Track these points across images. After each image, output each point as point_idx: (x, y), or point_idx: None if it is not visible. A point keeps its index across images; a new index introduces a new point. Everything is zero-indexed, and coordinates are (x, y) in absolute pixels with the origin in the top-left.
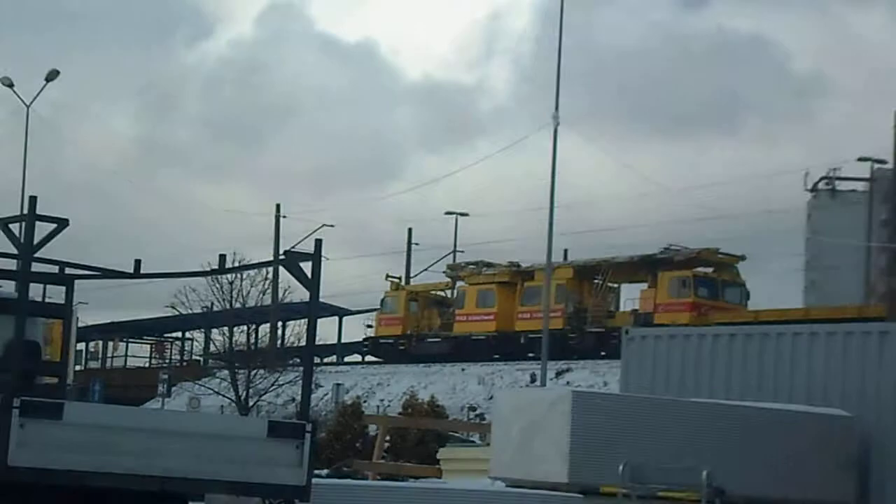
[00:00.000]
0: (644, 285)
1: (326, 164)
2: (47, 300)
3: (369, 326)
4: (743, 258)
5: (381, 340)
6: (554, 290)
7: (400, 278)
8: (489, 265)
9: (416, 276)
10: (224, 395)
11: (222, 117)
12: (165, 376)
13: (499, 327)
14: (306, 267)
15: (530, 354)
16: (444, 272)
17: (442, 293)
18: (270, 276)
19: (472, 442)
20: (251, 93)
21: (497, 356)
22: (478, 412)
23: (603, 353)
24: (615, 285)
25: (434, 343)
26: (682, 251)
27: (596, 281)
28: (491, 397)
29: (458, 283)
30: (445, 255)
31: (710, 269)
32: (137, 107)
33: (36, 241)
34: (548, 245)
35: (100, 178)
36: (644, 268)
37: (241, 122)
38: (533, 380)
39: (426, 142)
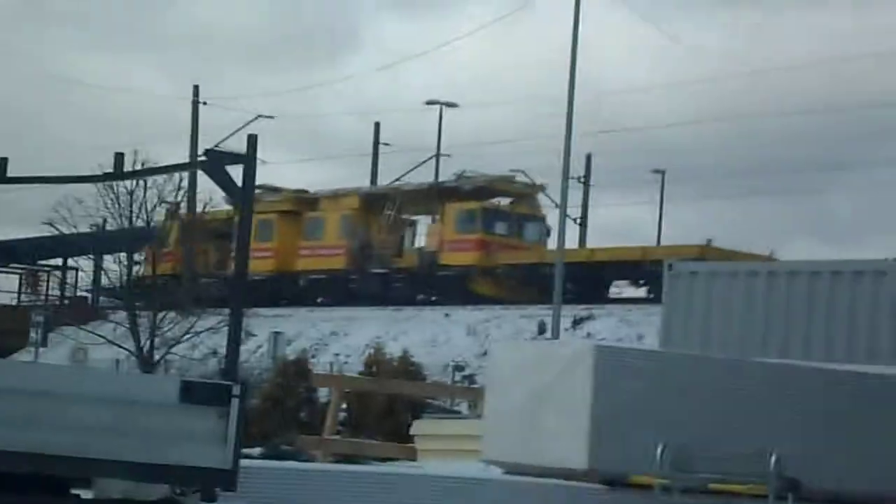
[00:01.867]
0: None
1: (259, 31)
2: None
3: (137, 264)
4: (543, 187)
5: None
6: (338, 222)
7: (178, 205)
8: (276, 190)
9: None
10: (120, 346)
11: None
12: (40, 318)
13: (278, 266)
14: (235, 172)
15: (319, 300)
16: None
17: (225, 224)
18: (185, 183)
19: (458, 413)
20: None
21: (282, 301)
22: (466, 372)
23: (433, 299)
24: (411, 218)
25: (206, 285)
26: (475, 178)
27: (387, 213)
28: (485, 353)
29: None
30: (426, 160)
31: (507, 200)
32: None
33: None
34: (565, 148)
35: None
36: (436, 198)
37: None
38: (542, 330)
39: (395, 1)
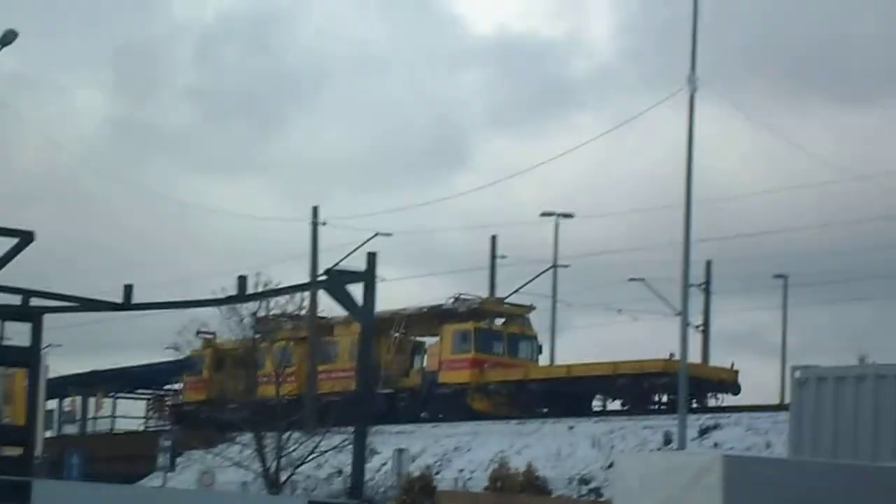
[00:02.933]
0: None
1: (371, 152)
2: (5, 342)
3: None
4: (532, 308)
5: (185, 408)
6: (348, 347)
7: (214, 334)
8: (296, 317)
9: (504, 298)
10: (246, 467)
11: (226, 90)
12: (167, 443)
13: (299, 389)
14: (355, 291)
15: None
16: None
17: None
18: (307, 303)
19: None
20: (265, 57)
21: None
22: (592, 485)
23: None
24: (419, 339)
25: (232, 410)
26: (470, 301)
27: (393, 335)
28: (610, 465)
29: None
30: (544, 271)
31: (500, 321)
32: (113, 79)
33: None
34: (684, 255)
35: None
36: (435, 320)
37: (252, 97)
38: (668, 441)
39: (500, 117)
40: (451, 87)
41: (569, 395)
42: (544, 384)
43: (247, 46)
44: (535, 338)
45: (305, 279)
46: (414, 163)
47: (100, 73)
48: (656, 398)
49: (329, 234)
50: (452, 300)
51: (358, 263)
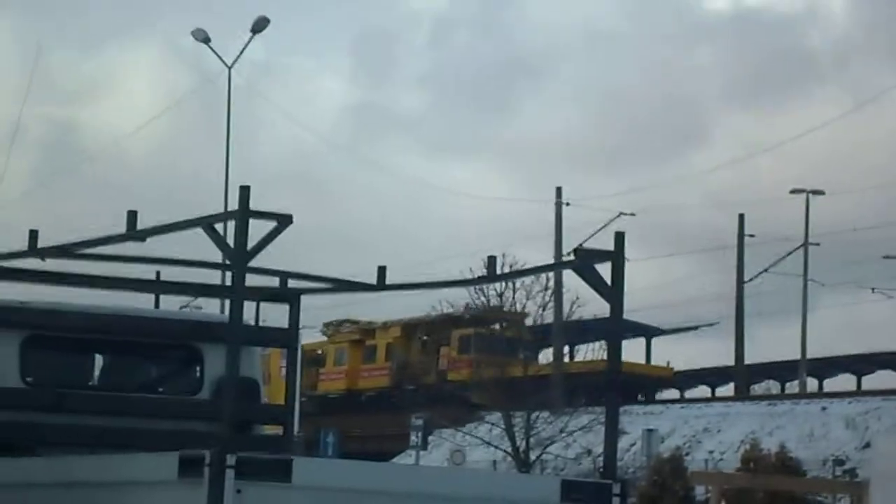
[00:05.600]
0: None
1: (603, 132)
2: (262, 323)
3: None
4: (526, 315)
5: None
6: (385, 349)
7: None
8: (352, 322)
9: (752, 278)
10: (496, 447)
11: (459, 74)
12: (419, 421)
13: (348, 385)
14: (603, 270)
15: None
16: (320, 330)
17: (320, 351)
18: (551, 284)
19: None
20: (497, 41)
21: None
22: (847, 466)
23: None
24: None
25: (302, 403)
26: (475, 309)
27: (424, 339)
28: (866, 446)
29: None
30: (795, 249)
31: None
32: (351, 66)
33: (249, 245)
34: None
35: (309, 159)
36: (449, 325)
37: (491, 80)
38: None
39: (737, 93)
40: (687, 62)
41: (553, 390)
42: (534, 381)
43: (478, 30)
44: (528, 341)
45: (547, 261)
46: (649, 142)
47: (340, 59)
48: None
49: (568, 216)
50: (463, 308)
51: (600, 244)
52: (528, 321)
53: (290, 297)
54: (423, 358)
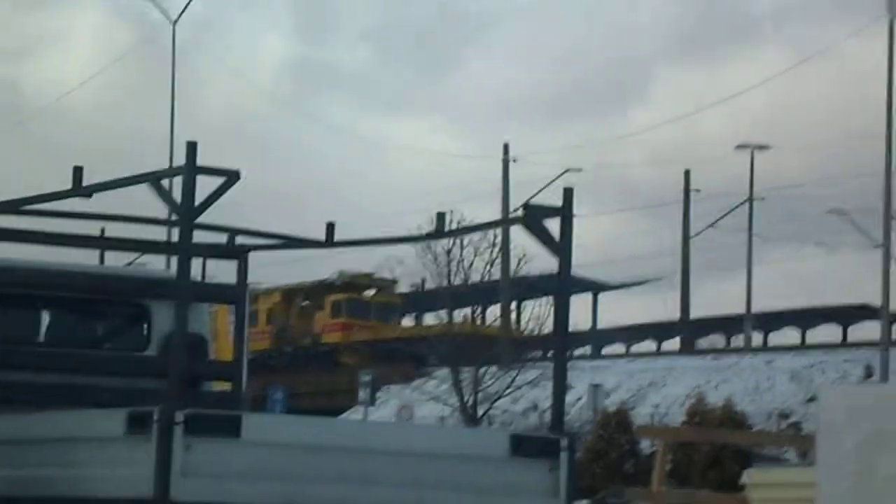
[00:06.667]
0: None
1: (547, 87)
2: (209, 280)
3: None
4: (395, 281)
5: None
6: (266, 314)
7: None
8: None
9: (698, 233)
10: (444, 402)
11: (404, 30)
12: (367, 378)
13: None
14: (551, 226)
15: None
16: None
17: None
18: (499, 240)
19: (786, 461)
20: None
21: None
22: (792, 420)
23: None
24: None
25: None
26: (345, 275)
27: (304, 304)
28: (811, 399)
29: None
30: (739, 204)
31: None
32: (294, 21)
33: (196, 201)
34: (885, 186)
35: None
36: (324, 291)
37: (428, 35)
38: (869, 374)
39: (681, 50)
40: (631, 19)
41: (413, 351)
42: (399, 342)
43: None
44: (398, 305)
45: (495, 217)
46: (595, 98)
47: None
48: None
49: (516, 172)
50: (336, 275)
51: (547, 200)
52: (475, 277)
53: (238, 254)
54: (300, 322)
